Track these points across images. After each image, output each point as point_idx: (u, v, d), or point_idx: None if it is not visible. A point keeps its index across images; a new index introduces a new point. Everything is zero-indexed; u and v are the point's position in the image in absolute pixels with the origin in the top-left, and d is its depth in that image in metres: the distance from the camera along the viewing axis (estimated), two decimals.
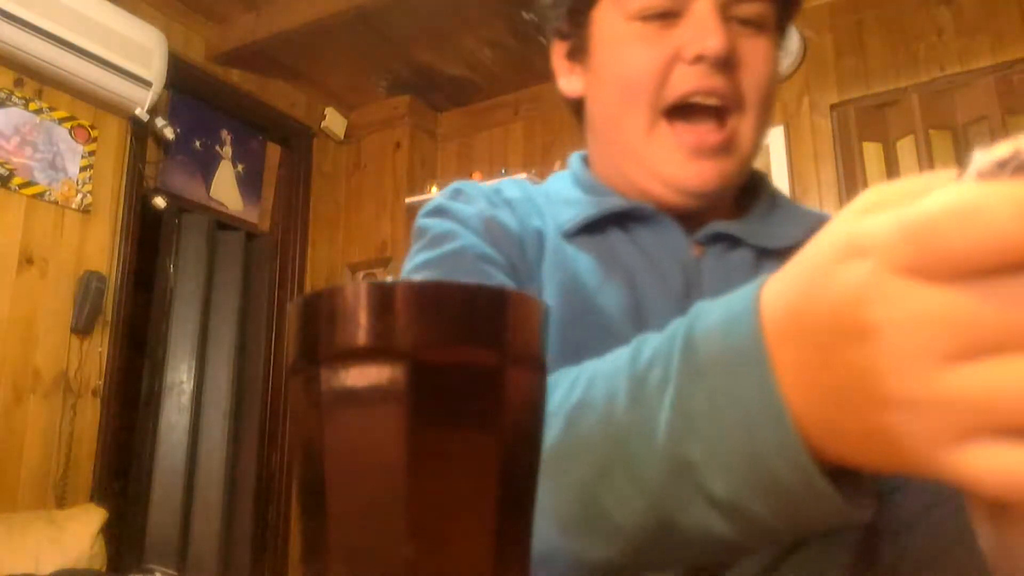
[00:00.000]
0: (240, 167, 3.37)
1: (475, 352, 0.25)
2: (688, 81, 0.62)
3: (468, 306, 0.25)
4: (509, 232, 0.66)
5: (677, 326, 0.35)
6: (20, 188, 2.46)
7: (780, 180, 2.77)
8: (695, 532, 0.34)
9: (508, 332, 0.26)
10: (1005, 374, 0.22)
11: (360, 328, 0.24)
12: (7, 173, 2.43)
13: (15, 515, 2.24)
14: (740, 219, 0.68)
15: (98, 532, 2.27)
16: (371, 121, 3.66)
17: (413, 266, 0.66)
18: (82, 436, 2.53)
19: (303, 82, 3.49)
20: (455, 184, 0.73)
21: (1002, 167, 0.24)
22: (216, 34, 3.14)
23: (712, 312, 0.33)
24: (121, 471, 2.77)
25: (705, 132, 0.62)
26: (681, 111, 0.63)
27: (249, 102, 3.32)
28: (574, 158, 0.77)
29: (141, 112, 2.72)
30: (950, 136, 2.65)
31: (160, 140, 2.94)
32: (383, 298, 0.25)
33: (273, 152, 3.57)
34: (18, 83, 2.51)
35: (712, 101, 0.62)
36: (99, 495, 2.53)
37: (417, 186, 3.52)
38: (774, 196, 0.73)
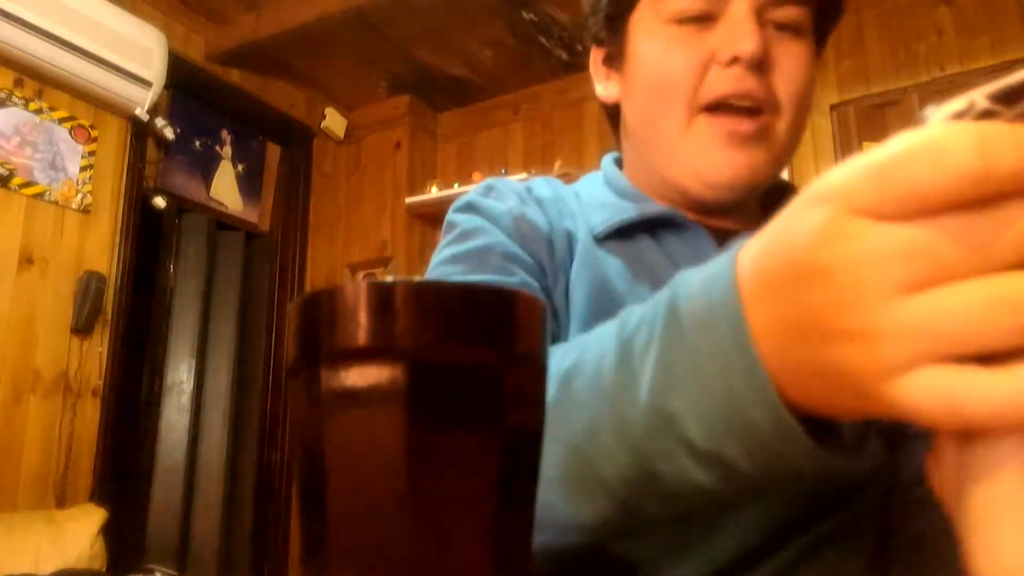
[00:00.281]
0: (240, 167, 3.37)
1: (475, 352, 0.25)
2: (723, 83, 0.62)
3: (468, 306, 0.25)
4: (538, 230, 0.66)
5: (661, 294, 0.36)
6: (20, 188, 2.46)
7: None
8: (677, 482, 0.35)
9: (508, 332, 0.26)
10: (955, 301, 0.24)
11: (360, 328, 0.24)
12: (7, 173, 2.43)
13: (15, 515, 2.24)
14: None
15: (98, 532, 2.27)
16: (371, 121, 3.66)
17: (440, 259, 0.66)
18: (82, 436, 2.53)
19: (303, 82, 3.49)
20: (488, 180, 0.73)
21: (960, 118, 0.26)
22: (216, 34, 3.14)
23: (694, 277, 0.34)
24: (121, 471, 2.77)
25: (739, 121, 0.63)
26: (716, 110, 0.63)
27: (249, 102, 3.32)
28: (607, 160, 0.77)
29: (141, 112, 2.72)
30: None
31: (160, 140, 2.95)
32: (383, 298, 0.25)
33: (273, 152, 3.57)
34: (18, 83, 2.51)
35: (746, 103, 0.62)
36: (99, 495, 2.53)
37: (417, 186, 3.52)
38: None
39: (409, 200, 3.46)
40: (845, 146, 2.75)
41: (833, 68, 2.81)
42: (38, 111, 2.55)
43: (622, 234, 0.67)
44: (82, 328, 2.55)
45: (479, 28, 3.08)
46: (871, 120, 2.77)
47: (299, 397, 0.26)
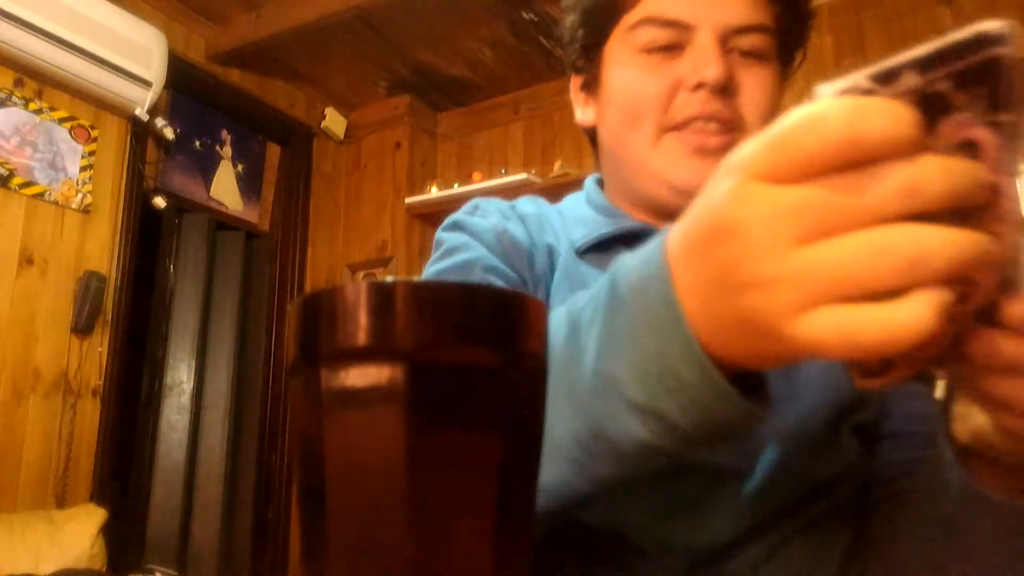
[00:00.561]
0: (240, 167, 3.37)
1: (475, 352, 0.25)
2: (690, 106, 0.66)
3: (468, 306, 0.25)
4: (519, 245, 0.71)
5: (604, 276, 0.40)
6: (20, 188, 2.46)
7: None
8: (623, 440, 0.39)
9: (508, 332, 0.26)
10: (840, 250, 0.28)
11: (360, 328, 0.24)
12: (7, 173, 2.43)
13: (15, 515, 2.24)
14: None
15: (98, 532, 2.27)
16: (371, 121, 3.66)
17: (426, 276, 0.71)
18: (82, 436, 2.53)
19: (303, 82, 3.49)
20: (474, 200, 0.78)
21: (845, 94, 0.30)
22: (216, 34, 3.14)
23: (631, 258, 0.39)
24: (121, 471, 2.77)
25: (706, 137, 0.66)
26: (684, 128, 0.67)
27: (249, 102, 3.32)
28: (589, 181, 0.82)
29: (141, 112, 2.72)
30: None
31: (160, 140, 2.94)
32: (383, 298, 0.25)
33: (273, 152, 3.57)
34: (18, 83, 2.51)
35: (713, 125, 0.66)
36: (99, 495, 2.53)
37: (417, 186, 3.52)
38: None
39: (409, 200, 3.46)
40: None
41: (833, 68, 2.81)
42: (38, 111, 2.55)
43: (601, 247, 0.71)
44: (82, 328, 2.55)
45: (479, 28, 3.08)
46: None
47: (299, 397, 0.26)
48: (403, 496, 0.24)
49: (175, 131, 2.96)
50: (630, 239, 0.70)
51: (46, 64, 2.48)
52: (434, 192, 3.43)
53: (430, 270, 0.70)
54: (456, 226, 0.74)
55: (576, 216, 0.75)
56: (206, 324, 3.13)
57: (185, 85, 3.04)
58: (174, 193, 3.05)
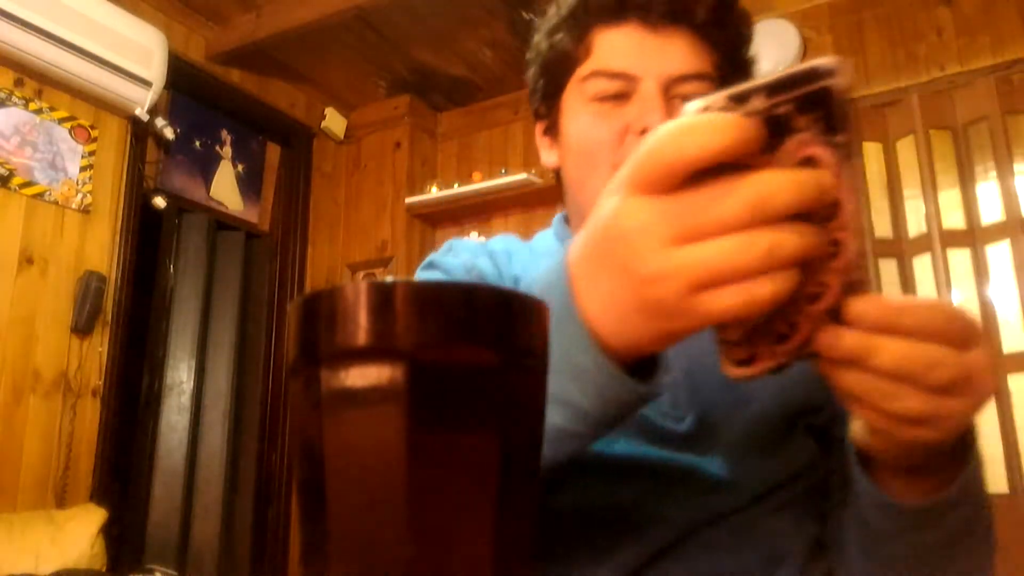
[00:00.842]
0: (240, 167, 3.37)
1: (475, 352, 0.25)
2: None
3: (468, 306, 0.25)
4: (485, 276, 0.77)
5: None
6: (20, 188, 2.46)
7: None
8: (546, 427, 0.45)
9: (508, 332, 0.26)
10: (712, 247, 0.35)
11: (360, 328, 0.24)
12: (7, 173, 2.43)
13: (15, 515, 2.24)
14: None
15: (98, 532, 2.27)
16: (371, 121, 3.66)
17: None
18: (82, 436, 2.53)
19: (303, 82, 3.49)
20: (449, 241, 0.85)
21: (703, 112, 0.35)
22: (216, 34, 3.14)
23: (543, 270, 0.45)
24: (121, 471, 2.77)
25: None
26: None
27: (249, 102, 3.32)
28: (557, 218, 0.88)
29: (141, 112, 2.72)
30: (950, 136, 2.65)
31: (160, 140, 2.94)
32: (383, 298, 0.25)
33: (273, 152, 3.57)
34: (18, 83, 2.51)
35: None
36: (99, 495, 2.53)
37: (417, 186, 3.52)
38: None
39: (409, 200, 3.46)
40: None
41: None
42: (38, 111, 2.54)
43: None
44: (82, 328, 2.55)
45: (479, 28, 3.08)
46: (871, 120, 2.76)
47: (299, 397, 0.26)
48: (403, 495, 0.24)
49: (175, 131, 2.96)
50: None
51: (46, 64, 2.48)
52: (434, 192, 3.43)
53: None
54: (431, 265, 0.81)
55: (544, 249, 0.83)
56: (206, 324, 3.13)
57: (185, 85, 3.04)
58: (174, 193, 3.05)
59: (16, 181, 2.45)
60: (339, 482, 0.25)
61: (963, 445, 0.47)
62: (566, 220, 0.86)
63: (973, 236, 2.55)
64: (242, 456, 3.18)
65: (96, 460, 2.56)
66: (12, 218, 2.44)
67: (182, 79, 2.96)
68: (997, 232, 2.51)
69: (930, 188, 2.61)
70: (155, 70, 2.71)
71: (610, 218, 0.38)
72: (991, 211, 2.54)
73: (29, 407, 2.41)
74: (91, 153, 2.67)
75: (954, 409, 0.39)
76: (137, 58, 2.67)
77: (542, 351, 0.27)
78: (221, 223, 3.27)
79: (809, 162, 0.35)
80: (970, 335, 0.39)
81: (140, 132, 2.83)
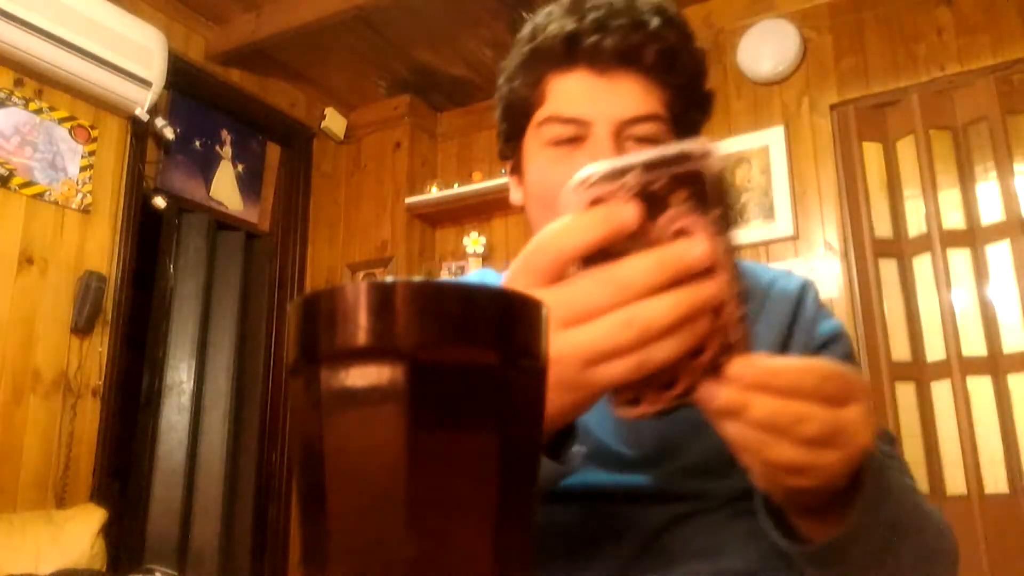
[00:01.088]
0: (240, 167, 3.37)
1: (475, 352, 0.25)
2: None
3: (468, 306, 0.25)
4: None
5: None
6: (20, 188, 2.46)
7: (780, 180, 2.77)
8: None
9: (508, 332, 0.26)
10: (593, 331, 0.39)
11: (360, 328, 0.24)
12: (7, 173, 2.43)
13: (15, 515, 2.24)
14: None
15: (98, 532, 2.27)
16: (371, 121, 3.66)
17: None
18: (82, 436, 2.53)
19: (303, 82, 3.49)
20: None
21: (581, 184, 0.40)
22: (216, 34, 3.14)
23: None
24: (121, 471, 2.77)
25: None
26: None
27: (249, 102, 3.32)
28: None
29: (141, 112, 2.72)
30: (950, 136, 2.65)
31: (160, 140, 2.94)
32: (383, 298, 0.25)
33: (273, 152, 3.57)
34: (18, 83, 2.51)
35: None
36: (99, 495, 2.53)
37: (417, 186, 3.52)
38: None
39: (409, 200, 3.46)
40: (845, 146, 2.75)
41: (833, 68, 2.81)
42: (38, 111, 2.54)
43: None
44: (82, 328, 2.55)
45: (479, 28, 3.08)
46: (871, 120, 2.76)
47: (299, 397, 0.26)
48: (403, 495, 0.24)
49: (175, 131, 2.96)
50: None
51: (46, 64, 2.48)
52: (434, 192, 3.43)
53: None
54: None
55: None
56: (206, 324, 3.13)
57: (185, 85, 3.04)
58: (174, 193, 3.05)
59: (16, 181, 2.45)
60: (339, 482, 0.25)
61: (856, 486, 0.49)
62: None
63: (973, 236, 2.55)
64: (242, 456, 3.18)
65: (96, 460, 2.56)
66: (12, 218, 2.44)
67: (182, 79, 2.96)
68: (997, 232, 2.51)
69: (930, 188, 2.61)
70: (155, 70, 2.71)
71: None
72: (991, 211, 2.54)
73: (29, 407, 2.41)
74: (91, 153, 2.67)
75: (827, 460, 0.43)
76: (137, 58, 2.67)
77: (542, 351, 0.27)
78: (221, 223, 3.27)
79: (683, 233, 0.40)
80: (845, 393, 0.43)
81: (140, 132, 2.83)
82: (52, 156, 2.56)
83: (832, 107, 2.78)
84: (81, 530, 2.24)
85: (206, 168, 3.22)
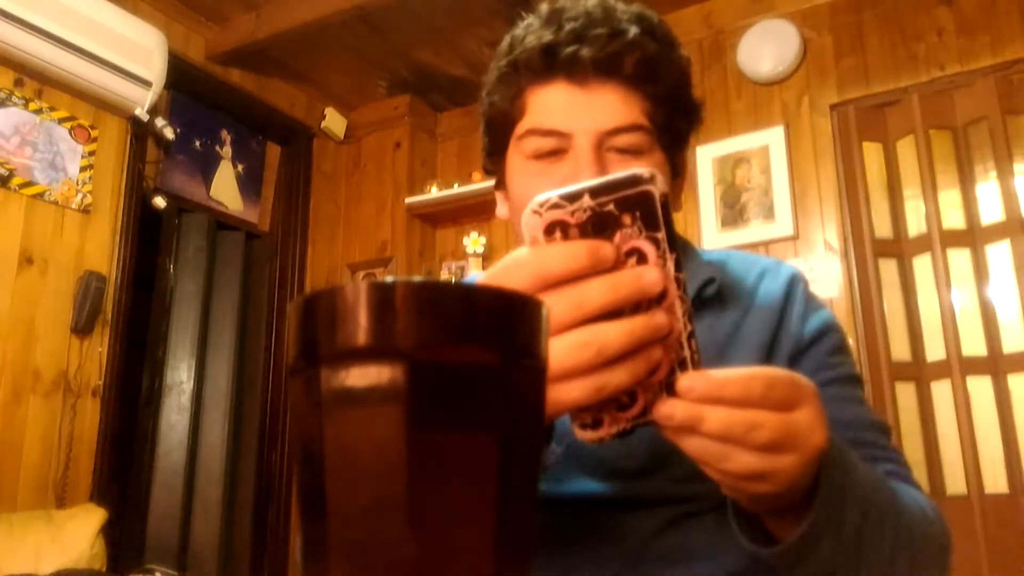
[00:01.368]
0: (240, 167, 3.37)
1: (475, 352, 0.25)
2: None
3: (468, 306, 0.25)
4: None
5: None
6: (20, 188, 2.46)
7: (780, 180, 2.77)
8: None
9: (508, 332, 0.26)
10: (553, 348, 0.38)
11: (360, 328, 0.24)
12: (7, 173, 2.43)
13: (15, 515, 2.24)
14: None
15: (98, 532, 2.27)
16: (371, 121, 3.66)
17: None
18: (82, 436, 2.53)
19: (303, 82, 3.49)
20: None
21: (540, 207, 0.42)
22: (216, 34, 3.14)
23: None
24: (121, 471, 2.77)
25: None
26: None
27: (249, 102, 3.32)
28: None
29: (141, 112, 2.72)
30: (950, 136, 2.65)
31: (160, 140, 2.94)
32: (383, 298, 0.25)
33: (273, 152, 3.57)
34: (18, 83, 2.51)
35: None
36: (99, 495, 2.53)
37: (417, 186, 3.52)
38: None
39: (409, 200, 3.46)
40: (845, 146, 2.75)
41: (833, 68, 2.81)
42: (38, 111, 2.54)
43: None
44: (82, 328, 2.55)
45: (479, 28, 3.08)
46: (871, 120, 2.76)
47: (299, 397, 0.26)
48: (403, 495, 0.24)
49: (175, 131, 2.96)
50: None
51: (46, 64, 2.48)
52: (434, 192, 3.43)
53: None
54: None
55: None
56: (206, 324, 3.13)
57: (185, 85, 3.04)
58: (174, 193, 3.05)
59: (16, 181, 2.45)
60: (339, 482, 0.25)
61: (816, 487, 0.50)
62: None
63: (973, 236, 2.55)
64: (242, 456, 3.18)
65: (96, 460, 2.56)
66: (12, 218, 2.44)
67: (182, 79, 2.96)
68: (997, 232, 2.51)
69: (930, 188, 2.61)
70: (155, 70, 2.71)
71: None
72: (991, 211, 2.54)
73: (29, 407, 2.41)
74: (91, 153, 2.67)
75: (783, 464, 0.44)
76: (137, 58, 2.67)
77: (542, 351, 0.27)
78: (221, 223, 3.27)
79: (634, 252, 0.42)
80: (793, 398, 0.45)
81: (140, 132, 2.83)
82: (52, 156, 2.56)
83: (832, 107, 2.78)
84: (81, 530, 2.24)
85: (206, 168, 3.22)
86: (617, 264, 0.42)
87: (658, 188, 0.42)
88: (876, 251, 2.65)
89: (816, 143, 2.78)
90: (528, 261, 0.41)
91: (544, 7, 0.76)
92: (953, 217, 2.59)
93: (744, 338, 0.76)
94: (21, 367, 2.41)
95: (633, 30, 0.71)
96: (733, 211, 2.83)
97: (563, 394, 0.41)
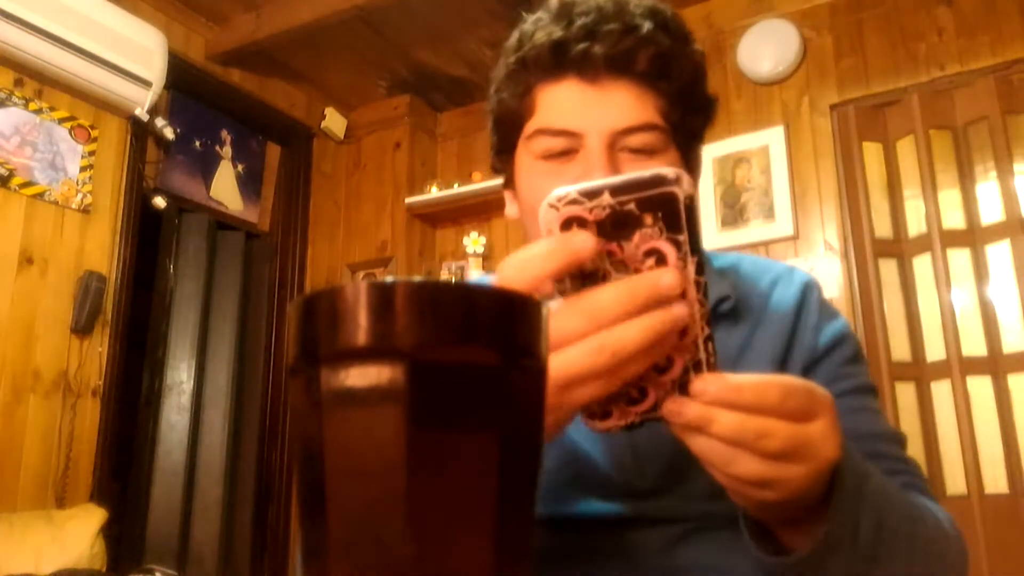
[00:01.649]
0: (240, 167, 3.37)
1: (475, 352, 0.25)
2: None
3: (468, 306, 0.25)
4: None
5: None
6: (20, 188, 2.46)
7: (780, 180, 2.77)
8: None
9: (508, 332, 0.26)
10: (566, 357, 0.40)
11: (360, 328, 0.24)
12: (7, 173, 2.43)
13: (15, 515, 2.24)
14: None
15: (98, 532, 2.27)
16: (371, 121, 3.66)
17: None
18: (82, 436, 2.53)
19: (303, 82, 3.49)
20: None
21: (559, 202, 0.42)
22: (216, 34, 3.14)
23: None
24: (121, 471, 2.77)
25: None
26: None
27: (249, 102, 3.32)
28: None
29: (141, 112, 2.72)
30: (950, 136, 2.65)
31: (160, 140, 2.94)
32: (383, 298, 0.25)
33: (273, 152, 3.56)
34: (18, 83, 2.51)
35: None
36: (99, 495, 2.53)
37: (417, 186, 3.52)
38: None
39: (409, 200, 3.46)
40: (845, 146, 2.75)
41: (833, 68, 2.81)
42: (38, 111, 2.54)
43: None
44: (82, 328, 2.55)
45: (479, 28, 3.08)
46: (871, 120, 2.76)
47: (299, 397, 0.26)
48: (403, 496, 0.24)
49: (175, 131, 2.96)
50: None
51: (46, 64, 2.48)
52: (434, 192, 3.43)
53: None
54: None
55: None
56: (206, 324, 3.13)
57: (185, 85, 3.04)
58: (174, 193, 3.05)
59: (16, 181, 2.45)
60: (339, 482, 0.25)
61: (828, 499, 0.49)
62: None
63: (973, 236, 2.55)
64: (242, 456, 3.17)
65: (96, 460, 2.56)
66: (12, 218, 2.44)
67: (182, 79, 2.96)
68: (997, 232, 2.51)
69: (930, 188, 2.61)
70: (155, 70, 2.71)
71: None
72: (991, 211, 2.54)
73: (29, 407, 2.41)
74: (91, 153, 2.67)
75: (792, 473, 0.44)
76: (137, 58, 2.67)
77: (542, 351, 0.27)
78: (221, 223, 3.27)
79: (654, 253, 0.42)
80: (809, 408, 0.44)
81: (140, 132, 2.83)
82: (52, 156, 2.56)
83: (832, 107, 2.78)
84: (81, 530, 2.24)
85: (206, 168, 3.22)
86: (635, 263, 0.42)
87: (683, 190, 0.41)
88: (876, 251, 2.65)
89: (816, 143, 2.78)
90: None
91: (553, 1, 0.73)
92: (953, 217, 2.59)
93: (757, 350, 0.74)
94: (21, 367, 2.41)
95: (647, 25, 0.68)
96: (733, 211, 2.83)
97: (578, 396, 0.41)
